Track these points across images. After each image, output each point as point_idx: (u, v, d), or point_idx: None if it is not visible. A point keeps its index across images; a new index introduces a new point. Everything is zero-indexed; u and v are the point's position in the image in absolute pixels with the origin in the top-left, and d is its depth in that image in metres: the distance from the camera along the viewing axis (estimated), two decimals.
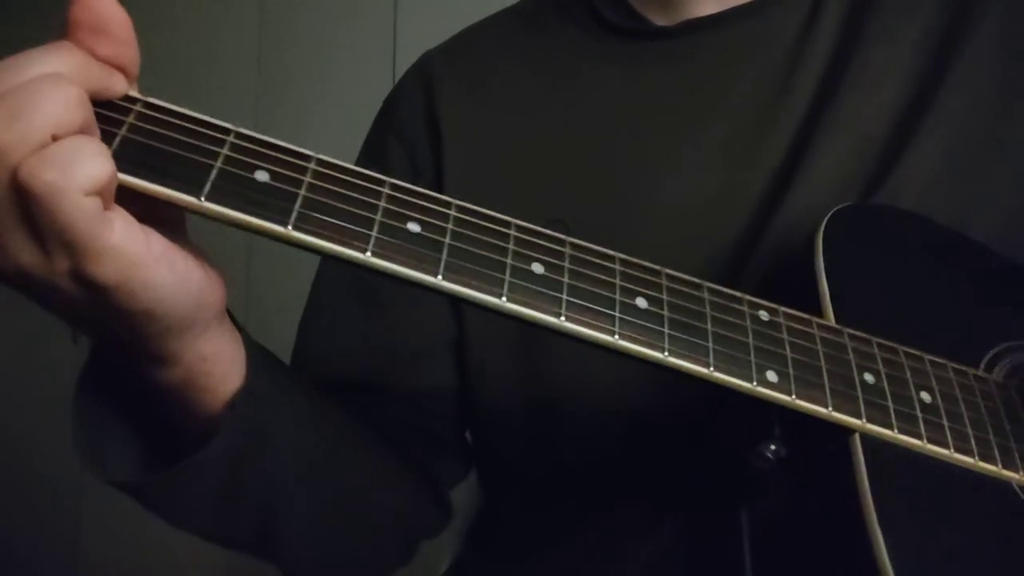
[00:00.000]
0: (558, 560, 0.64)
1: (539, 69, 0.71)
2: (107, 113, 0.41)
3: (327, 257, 0.42)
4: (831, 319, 0.52)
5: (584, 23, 0.71)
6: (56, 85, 0.39)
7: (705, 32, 0.67)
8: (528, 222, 0.47)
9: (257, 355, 0.51)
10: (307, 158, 0.43)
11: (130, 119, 0.42)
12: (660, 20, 0.69)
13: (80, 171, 0.38)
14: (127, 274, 0.40)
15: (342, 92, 2.23)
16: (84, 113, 0.39)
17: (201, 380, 0.48)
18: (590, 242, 0.48)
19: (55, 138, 0.38)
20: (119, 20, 0.42)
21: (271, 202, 0.41)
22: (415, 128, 0.71)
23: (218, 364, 0.49)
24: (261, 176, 0.42)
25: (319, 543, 0.61)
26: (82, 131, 0.39)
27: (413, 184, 0.45)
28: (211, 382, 0.49)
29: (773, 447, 0.50)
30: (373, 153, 0.74)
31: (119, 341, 0.45)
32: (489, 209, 0.46)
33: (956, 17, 0.65)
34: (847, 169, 0.62)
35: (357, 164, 0.74)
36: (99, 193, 0.39)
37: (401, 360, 0.68)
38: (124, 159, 0.40)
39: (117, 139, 0.41)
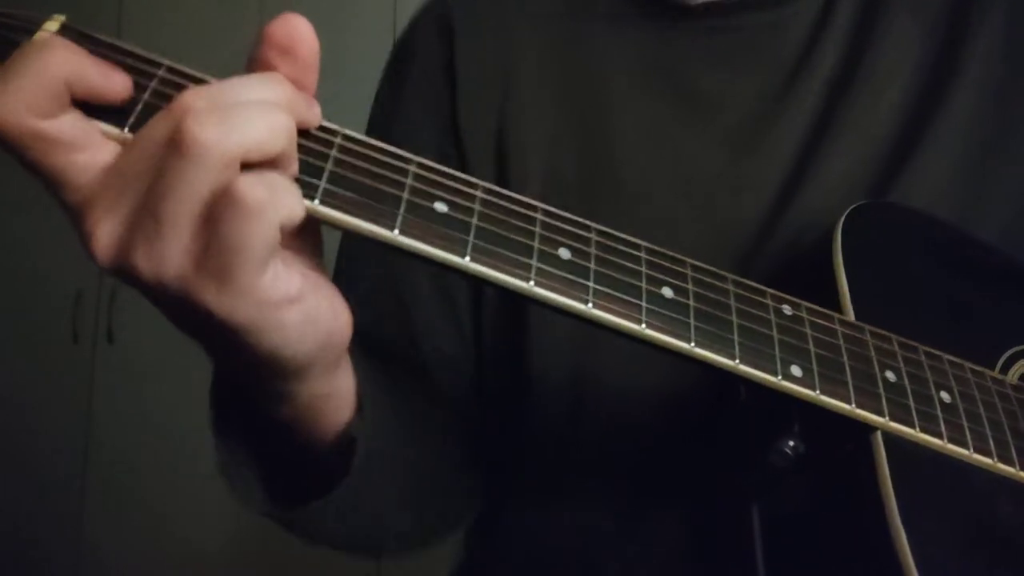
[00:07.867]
0: (566, 558, 0.63)
1: (554, 33, 0.69)
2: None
3: (353, 234, 0.41)
4: (851, 316, 0.52)
5: None
6: (270, 111, 0.38)
7: (723, 16, 0.66)
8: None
9: (362, 377, 0.50)
10: (333, 132, 0.42)
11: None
12: None
13: (285, 204, 0.37)
14: (262, 314, 0.38)
15: (342, 92, 2.21)
16: (284, 145, 0.38)
17: (312, 414, 0.47)
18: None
19: (245, 162, 0.37)
20: (309, 44, 0.41)
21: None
22: (434, 78, 0.70)
23: (331, 401, 0.48)
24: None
25: (407, 528, 0.65)
26: (275, 164, 0.38)
27: None
28: (321, 416, 0.48)
29: (792, 443, 0.49)
30: (386, 109, 0.72)
31: (238, 372, 0.44)
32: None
33: (960, 16, 0.65)
34: (856, 170, 0.62)
35: (371, 121, 0.72)
36: (285, 231, 0.37)
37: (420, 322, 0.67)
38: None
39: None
